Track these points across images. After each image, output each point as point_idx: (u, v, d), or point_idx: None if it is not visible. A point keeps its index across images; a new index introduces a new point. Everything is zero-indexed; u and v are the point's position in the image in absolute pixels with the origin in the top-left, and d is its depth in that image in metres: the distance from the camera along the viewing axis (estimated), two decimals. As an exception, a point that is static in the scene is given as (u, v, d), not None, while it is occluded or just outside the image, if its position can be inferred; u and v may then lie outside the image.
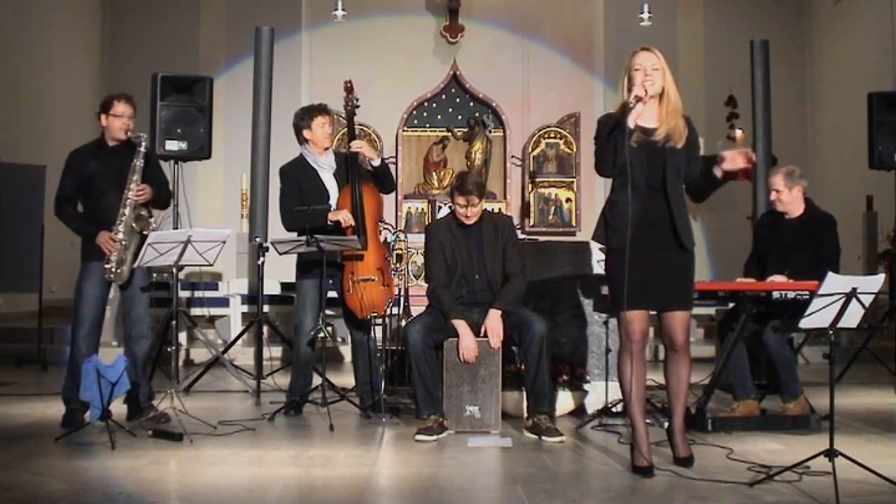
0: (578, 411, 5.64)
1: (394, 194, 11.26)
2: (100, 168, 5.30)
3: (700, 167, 4.23)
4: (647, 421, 4.28)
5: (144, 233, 5.19)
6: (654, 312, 4.25)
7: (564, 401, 5.59)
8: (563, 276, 5.85)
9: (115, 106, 5.31)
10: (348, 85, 5.79)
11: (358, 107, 5.81)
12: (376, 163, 5.69)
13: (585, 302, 5.82)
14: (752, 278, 5.49)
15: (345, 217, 5.52)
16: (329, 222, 5.54)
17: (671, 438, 4.26)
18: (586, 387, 5.67)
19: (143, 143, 5.29)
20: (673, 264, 4.12)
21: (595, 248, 5.70)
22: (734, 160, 4.07)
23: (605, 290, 5.72)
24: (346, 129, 5.86)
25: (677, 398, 4.24)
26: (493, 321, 5.14)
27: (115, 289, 5.50)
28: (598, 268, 5.85)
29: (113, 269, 5.19)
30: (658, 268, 4.08)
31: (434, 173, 11.77)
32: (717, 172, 4.09)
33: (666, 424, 5.02)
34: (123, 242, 5.18)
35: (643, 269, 4.03)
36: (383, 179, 5.76)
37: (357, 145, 5.64)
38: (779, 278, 5.21)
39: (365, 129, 10.82)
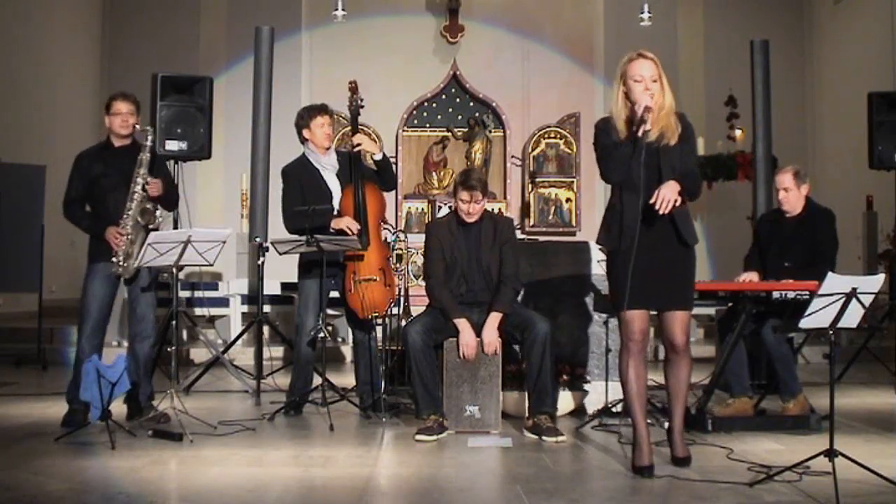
0: (578, 411, 5.64)
1: (394, 194, 11.28)
2: (106, 170, 5.36)
3: (695, 161, 4.23)
4: (648, 421, 4.27)
5: (150, 227, 5.22)
6: (654, 312, 4.24)
7: (564, 401, 5.59)
8: (563, 276, 5.85)
9: (114, 105, 5.40)
10: (352, 85, 5.78)
11: (362, 107, 5.80)
12: (378, 156, 5.69)
13: (585, 302, 5.82)
14: (752, 271, 5.49)
15: (348, 224, 5.52)
16: (332, 230, 5.53)
17: (670, 438, 4.26)
18: (586, 387, 5.67)
19: (149, 137, 5.33)
20: (673, 264, 4.11)
21: (595, 248, 5.70)
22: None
23: (604, 290, 5.75)
24: (347, 128, 5.86)
25: (676, 399, 4.24)
26: (490, 333, 5.12)
27: (120, 289, 5.51)
28: (599, 268, 5.84)
29: (121, 263, 5.22)
30: (658, 268, 4.06)
31: (434, 173, 11.77)
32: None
33: (667, 425, 5.04)
34: (130, 237, 5.21)
35: (643, 270, 4.02)
36: (385, 175, 5.76)
37: (357, 140, 5.65)
38: (785, 282, 5.21)
39: (365, 128, 10.81)
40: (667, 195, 3.94)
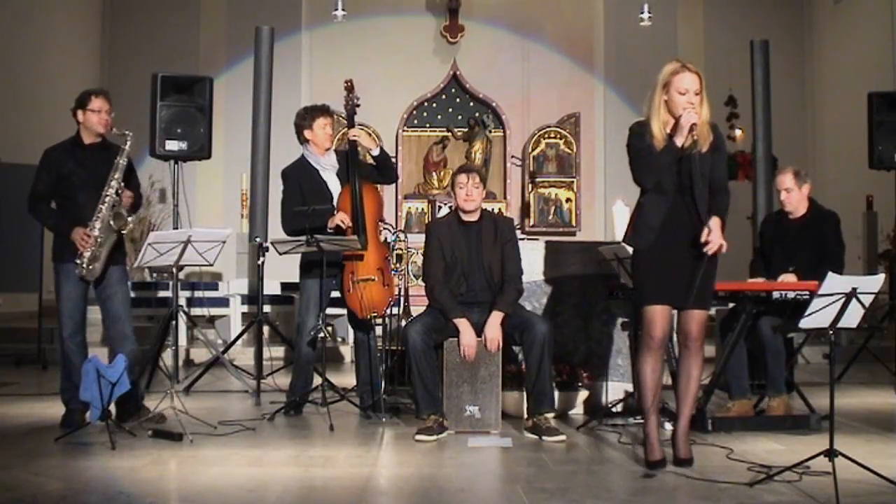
0: (578, 411, 5.64)
1: (394, 194, 11.30)
2: (76, 167, 5.21)
3: (726, 173, 4.30)
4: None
5: (122, 231, 5.16)
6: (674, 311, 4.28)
7: (564, 401, 5.59)
8: (563, 276, 5.85)
9: (93, 101, 5.25)
10: (348, 84, 5.78)
11: (358, 105, 5.80)
12: (375, 152, 5.68)
13: (586, 302, 5.82)
14: (759, 278, 5.49)
15: (341, 220, 5.51)
16: (329, 230, 5.53)
17: (674, 439, 4.26)
18: (586, 387, 5.67)
19: (128, 141, 5.22)
20: (697, 266, 4.13)
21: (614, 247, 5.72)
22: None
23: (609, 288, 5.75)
24: (346, 128, 5.86)
25: (684, 400, 4.27)
26: (493, 330, 5.12)
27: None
28: (600, 268, 5.84)
29: (85, 265, 5.09)
30: (683, 268, 4.12)
31: (434, 173, 11.78)
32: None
33: (668, 426, 5.05)
34: (98, 239, 5.10)
35: (669, 269, 4.11)
36: (384, 170, 5.76)
37: (353, 133, 5.64)
38: (789, 277, 5.21)
39: (365, 128, 10.81)
40: (717, 241, 4.06)
